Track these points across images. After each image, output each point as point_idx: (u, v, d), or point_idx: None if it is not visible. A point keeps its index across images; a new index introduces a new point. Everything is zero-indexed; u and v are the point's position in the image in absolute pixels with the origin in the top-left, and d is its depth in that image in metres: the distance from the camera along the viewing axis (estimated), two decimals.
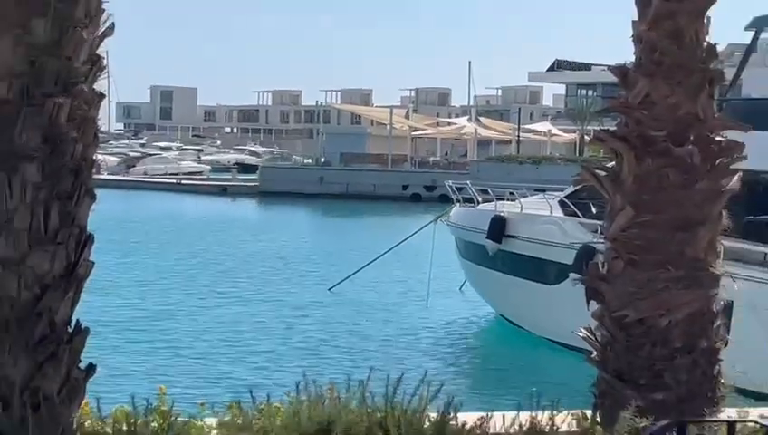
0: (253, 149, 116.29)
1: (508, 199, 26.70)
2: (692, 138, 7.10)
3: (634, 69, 7.31)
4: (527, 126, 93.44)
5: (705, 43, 7.26)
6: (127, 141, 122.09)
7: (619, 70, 7.52)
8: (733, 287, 17.38)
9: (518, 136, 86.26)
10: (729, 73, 24.80)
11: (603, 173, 7.48)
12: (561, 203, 23.53)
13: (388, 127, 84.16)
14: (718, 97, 23.67)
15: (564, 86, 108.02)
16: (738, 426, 6.39)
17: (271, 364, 21.24)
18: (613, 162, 7.47)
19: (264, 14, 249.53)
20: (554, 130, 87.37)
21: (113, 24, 6.14)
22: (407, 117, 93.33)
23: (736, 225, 18.66)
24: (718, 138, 7.27)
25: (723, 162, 7.28)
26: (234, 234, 47.31)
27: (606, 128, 7.67)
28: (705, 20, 7.26)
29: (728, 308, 17.60)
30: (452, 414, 7.66)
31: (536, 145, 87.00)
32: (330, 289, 30.43)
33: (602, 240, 8.25)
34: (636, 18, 7.32)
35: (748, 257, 19.05)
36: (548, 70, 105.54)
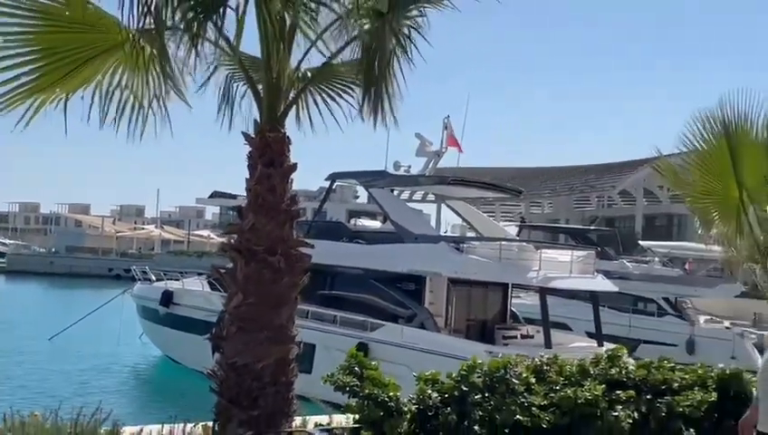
0: (2, 241, 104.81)
1: (174, 279, 25.97)
2: (280, 251, 7.11)
3: (246, 207, 7.26)
4: (195, 232, 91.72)
5: (289, 194, 7.32)
6: None
7: (238, 208, 7.46)
8: (314, 336, 17.81)
9: (188, 238, 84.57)
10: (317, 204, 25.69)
11: (224, 271, 7.32)
12: (210, 283, 23.10)
13: (100, 229, 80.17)
14: (312, 218, 24.40)
15: (219, 208, 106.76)
16: (296, 433, 6.45)
17: None
18: (231, 264, 7.32)
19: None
20: (212, 235, 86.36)
21: None
22: (114, 223, 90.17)
23: (316, 297, 19.38)
24: (295, 251, 7.30)
25: (298, 265, 7.32)
26: None
27: (229, 240, 7.47)
28: (289, 181, 7.32)
29: (312, 349, 18.06)
30: (119, 428, 7.16)
31: (201, 244, 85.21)
32: (49, 339, 27.65)
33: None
34: (248, 176, 7.26)
35: (323, 317, 19.60)
36: (209, 196, 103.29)
